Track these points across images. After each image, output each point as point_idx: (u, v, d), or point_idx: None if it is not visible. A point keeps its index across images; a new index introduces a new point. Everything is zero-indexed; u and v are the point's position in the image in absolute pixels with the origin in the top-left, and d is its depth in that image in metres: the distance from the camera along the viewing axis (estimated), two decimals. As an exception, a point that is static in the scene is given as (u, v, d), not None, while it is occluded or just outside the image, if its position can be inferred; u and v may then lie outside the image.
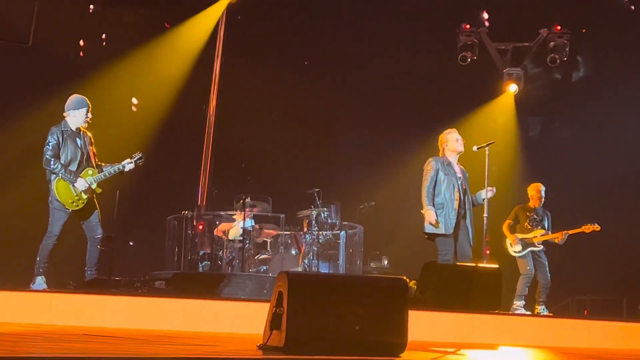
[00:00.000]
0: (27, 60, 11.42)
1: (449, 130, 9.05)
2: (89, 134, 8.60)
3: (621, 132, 13.51)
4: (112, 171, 8.49)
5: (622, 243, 13.08)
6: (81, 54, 12.46)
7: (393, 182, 14.06)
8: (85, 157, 8.39)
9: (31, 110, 11.41)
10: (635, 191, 13.18)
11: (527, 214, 10.66)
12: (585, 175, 13.34)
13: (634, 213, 12.97)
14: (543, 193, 10.72)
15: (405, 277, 5.02)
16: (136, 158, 8.56)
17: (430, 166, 8.79)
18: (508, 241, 10.62)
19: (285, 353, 4.39)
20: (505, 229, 10.66)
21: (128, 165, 8.53)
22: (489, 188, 8.84)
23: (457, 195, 8.68)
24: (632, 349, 7.61)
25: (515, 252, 10.56)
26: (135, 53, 13.11)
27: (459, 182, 8.77)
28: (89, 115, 8.42)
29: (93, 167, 8.43)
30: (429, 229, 8.66)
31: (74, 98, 8.49)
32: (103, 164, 8.58)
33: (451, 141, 8.91)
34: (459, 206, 8.69)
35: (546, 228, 10.60)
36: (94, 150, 8.60)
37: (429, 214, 8.60)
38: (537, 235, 10.51)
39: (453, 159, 8.92)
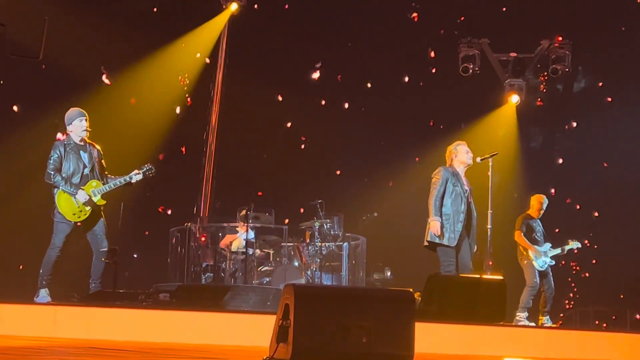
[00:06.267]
0: (32, 74, 11.47)
1: (458, 142, 9.03)
2: (98, 147, 8.58)
3: (624, 142, 13.52)
4: (118, 183, 8.46)
5: (625, 254, 13.07)
6: (85, 68, 12.49)
7: (395, 193, 14.06)
8: (90, 169, 8.37)
9: (36, 124, 11.44)
10: (638, 202, 13.17)
11: (534, 225, 10.65)
12: (588, 186, 13.34)
13: (637, 224, 12.96)
14: (544, 205, 10.72)
15: (411, 289, 5.02)
16: (145, 169, 8.54)
17: (439, 175, 8.71)
18: (532, 253, 10.47)
19: (293, 366, 4.39)
20: (523, 240, 10.49)
21: (135, 176, 8.50)
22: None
23: (464, 208, 8.64)
24: (636, 360, 7.60)
25: (539, 267, 10.50)
26: (138, 66, 13.14)
27: (466, 194, 8.73)
28: (86, 124, 8.35)
29: (98, 179, 8.42)
30: (432, 237, 8.61)
31: (69, 111, 8.50)
32: (111, 176, 8.56)
33: (461, 153, 8.86)
34: (464, 218, 8.64)
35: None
36: (103, 163, 8.59)
37: (434, 224, 8.56)
38: (547, 249, 10.51)
39: (461, 170, 8.86)
